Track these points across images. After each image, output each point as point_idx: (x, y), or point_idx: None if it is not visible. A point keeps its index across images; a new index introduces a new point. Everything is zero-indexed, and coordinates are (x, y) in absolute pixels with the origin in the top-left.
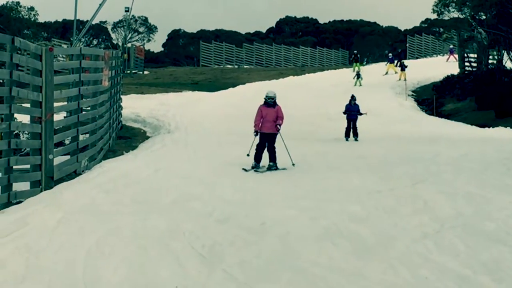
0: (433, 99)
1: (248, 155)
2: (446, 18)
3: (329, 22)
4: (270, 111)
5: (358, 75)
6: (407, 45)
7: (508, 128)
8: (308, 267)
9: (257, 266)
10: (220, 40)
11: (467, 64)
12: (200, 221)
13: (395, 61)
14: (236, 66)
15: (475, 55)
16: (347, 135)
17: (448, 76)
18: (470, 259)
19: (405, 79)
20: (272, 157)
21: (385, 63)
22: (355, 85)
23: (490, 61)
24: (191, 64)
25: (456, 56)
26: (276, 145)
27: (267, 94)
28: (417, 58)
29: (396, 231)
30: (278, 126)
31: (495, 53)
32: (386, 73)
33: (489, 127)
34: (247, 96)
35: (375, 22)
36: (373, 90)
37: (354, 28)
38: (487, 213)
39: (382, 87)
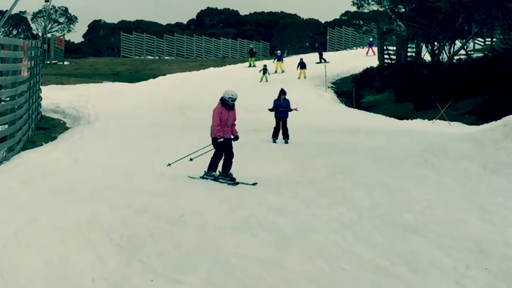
0: (353, 91)
1: (191, 159)
2: (366, 10)
3: (250, 14)
4: (231, 114)
5: (264, 70)
6: (328, 37)
7: (426, 120)
8: (227, 258)
9: (176, 257)
10: (141, 31)
11: (386, 56)
12: (119, 212)
13: (308, 61)
14: (157, 57)
15: (394, 48)
16: (275, 136)
17: (367, 68)
18: (387, 250)
19: (304, 77)
20: (229, 167)
21: (273, 60)
22: (261, 80)
23: (409, 54)
24: (112, 55)
25: (375, 49)
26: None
27: (231, 96)
28: (337, 50)
29: (314, 222)
30: (236, 131)
31: (413, 45)
32: (275, 71)
33: (407, 119)
34: (168, 87)
35: (295, 14)
36: (293, 82)
37: (275, 20)
38: (405, 205)
39: (302, 79)
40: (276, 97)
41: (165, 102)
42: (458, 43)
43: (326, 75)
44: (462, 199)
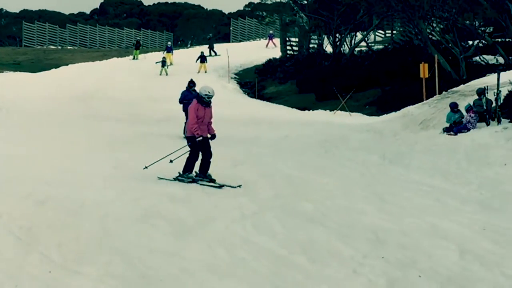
0: (255, 82)
1: (171, 161)
2: (269, 2)
3: (154, 4)
4: (208, 111)
5: (163, 63)
6: (231, 28)
7: (328, 111)
8: (127, 248)
9: (75, 248)
10: (43, 21)
11: (288, 48)
12: (18, 202)
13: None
14: (59, 47)
15: (297, 39)
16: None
17: (270, 59)
18: (286, 240)
19: (205, 71)
20: (207, 167)
21: (163, 51)
22: (160, 74)
23: (311, 46)
24: (14, 44)
25: (276, 41)
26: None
27: (207, 93)
28: (240, 41)
29: (215, 212)
30: (213, 129)
31: (316, 37)
32: (168, 64)
33: (309, 110)
34: (70, 78)
35: (199, 5)
36: (195, 73)
37: (178, 11)
38: (305, 194)
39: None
40: (184, 89)
41: (67, 92)
42: (359, 35)
43: (229, 66)
44: (361, 189)
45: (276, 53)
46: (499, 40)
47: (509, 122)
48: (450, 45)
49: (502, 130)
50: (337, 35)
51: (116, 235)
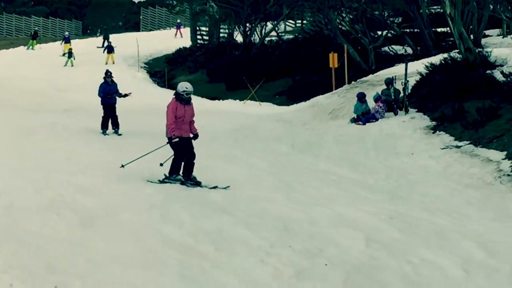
0: (165, 71)
1: (161, 164)
2: None
3: None
4: (188, 109)
5: (70, 54)
6: (141, 17)
7: (238, 100)
8: (31, 238)
9: None
10: None
11: (199, 37)
12: None
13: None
14: None
15: (207, 29)
16: (104, 126)
17: (180, 48)
18: (194, 229)
19: (113, 62)
20: (190, 169)
21: (61, 42)
22: (65, 65)
23: (221, 35)
24: None
25: (183, 31)
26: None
27: (185, 89)
28: (150, 30)
29: (123, 202)
30: (195, 128)
31: (226, 27)
32: (64, 54)
33: (219, 100)
34: None
35: None
36: (102, 64)
37: None
38: (214, 184)
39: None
40: (102, 81)
41: None
42: (269, 25)
43: (139, 55)
44: (270, 178)
45: (186, 42)
46: (408, 30)
47: (417, 111)
48: (359, 35)
49: (409, 119)
50: (247, 24)
51: (21, 225)
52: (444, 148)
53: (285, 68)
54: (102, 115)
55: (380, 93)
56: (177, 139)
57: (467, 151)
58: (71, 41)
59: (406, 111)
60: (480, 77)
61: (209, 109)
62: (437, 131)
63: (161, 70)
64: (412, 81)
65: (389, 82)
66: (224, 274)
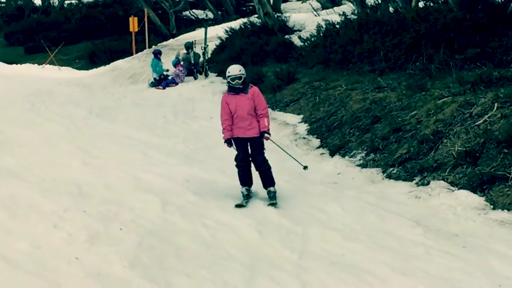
0: None
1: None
2: None
3: None
4: (243, 100)
5: None
6: None
7: (36, 64)
8: None
9: None
10: None
11: None
12: None
13: None
14: None
15: None
16: None
17: None
18: None
19: None
20: (270, 178)
21: None
22: None
23: None
24: None
25: None
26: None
27: (229, 73)
28: None
29: None
30: (265, 126)
31: None
32: None
33: (17, 64)
34: None
35: None
36: None
37: None
38: (8, 149)
39: None
40: None
41: None
42: None
43: None
44: (66, 143)
45: None
46: None
47: (216, 76)
48: None
49: (209, 84)
50: None
51: None
52: None
53: (85, 32)
54: None
55: (179, 57)
56: (228, 144)
57: None
58: None
59: (206, 75)
60: (278, 41)
61: (6, 73)
62: None
63: None
64: (212, 46)
65: (189, 46)
66: (16, 240)
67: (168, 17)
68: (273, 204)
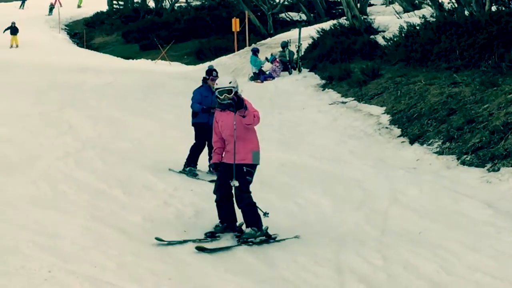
0: (84, 33)
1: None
2: None
3: None
4: (228, 118)
5: None
6: None
7: (150, 60)
8: None
9: None
10: None
11: (115, 2)
12: None
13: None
14: None
15: None
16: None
17: (98, 12)
18: (105, 175)
19: (17, 46)
20: (249, 217)
21: None
22: None
23: (135, 0)
24: None
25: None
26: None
27: (217, 85)
28: None
29: (40, 151)
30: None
31: None
32: None
33: (133, 59)
34: None
35: None
36: (27, 23)
37: None
38: (125, 134)
39: (37, 20)
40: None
41: None
42: None
43: (59, 18)
44: (176, 130)
45: (103, 6)
46: None
47: (309, 71)
48: (259, 2)
49: (302, 78)
50: None
51: None
52: (331, 104)
53: (193, 31)
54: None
55: (276, 54)
56: (215, 171)
57: (352, 106)
58: None
59: (300, 71)
60: (364, 41)
61: (123, 67)
62: (326, 89)
63: (80, 32)
64: (305, 44)
65: (285, 45)
66: (130, 214)
67: (266, 18)
68: (245, 241)
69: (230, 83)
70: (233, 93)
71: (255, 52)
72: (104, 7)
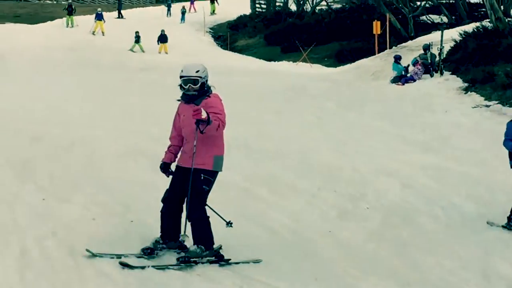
0: (228, 36)
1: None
2: None
3: None
4: (188, 112)
5: (137, 38)
6: None
7: (291, 62)
8: (110, 181)
9: (65, 179)
10: None
11: (257, 5)
12: (14, 139)
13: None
14: (55, 2)
15: None
16: None
17: (241, 16)
18: (250, 174)
19: (166, 52)
20: (198, 232)
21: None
22: (132, 49)
23: (277, 3)
24: None
25: (197, 6)
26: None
27: (182, 72)
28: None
29: None
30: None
31: None
32: (94, 32)
33: (275, 61)
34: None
35: None
36: (175, 26)
37: None
38: (268, 135)
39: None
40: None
41: (61, 42)
42: None
43: (204, 21)
44: (318, 131)
45: (246, 10)
46: (444, 1)
47: (451, 74)
48: (400, 5)
49: (444, 81)
50: None
51: (101, 169)
52: (475, 107)
53: (333, 34)
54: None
55: (418, 57)
56: (164, 170)
57: (496, 110)
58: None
59: (441, 74)
60: (508, 44)
61: (265, 69)
62: (469, 92)
63: (224, 35)
64: (447, 47)
65: (426, 47)
66: (276, 214)
67: (407, 21)
68: (186, 261)
69: (197, 72)
70: (199, 84)
71: (397, 59)
72: (247, 11)
